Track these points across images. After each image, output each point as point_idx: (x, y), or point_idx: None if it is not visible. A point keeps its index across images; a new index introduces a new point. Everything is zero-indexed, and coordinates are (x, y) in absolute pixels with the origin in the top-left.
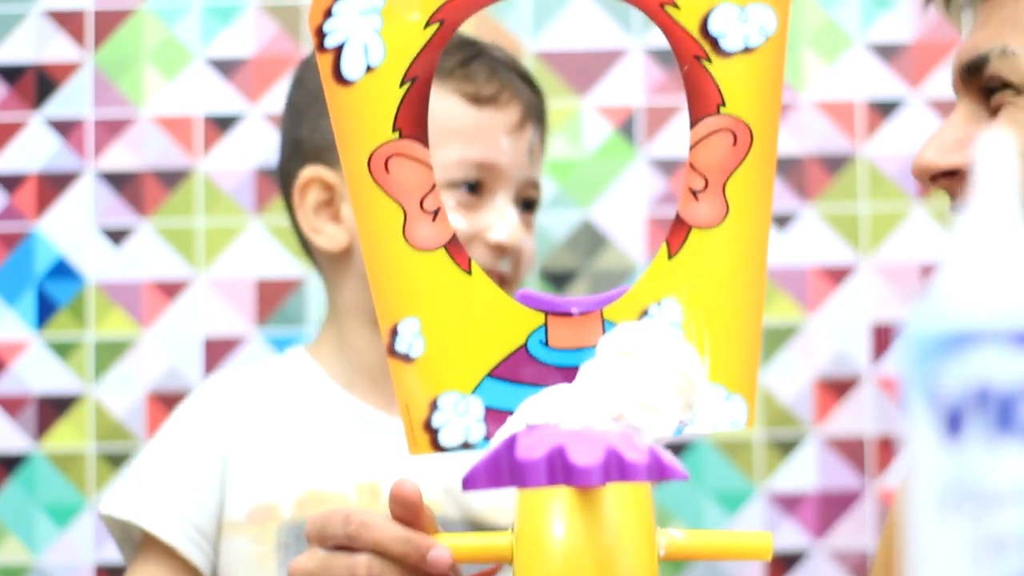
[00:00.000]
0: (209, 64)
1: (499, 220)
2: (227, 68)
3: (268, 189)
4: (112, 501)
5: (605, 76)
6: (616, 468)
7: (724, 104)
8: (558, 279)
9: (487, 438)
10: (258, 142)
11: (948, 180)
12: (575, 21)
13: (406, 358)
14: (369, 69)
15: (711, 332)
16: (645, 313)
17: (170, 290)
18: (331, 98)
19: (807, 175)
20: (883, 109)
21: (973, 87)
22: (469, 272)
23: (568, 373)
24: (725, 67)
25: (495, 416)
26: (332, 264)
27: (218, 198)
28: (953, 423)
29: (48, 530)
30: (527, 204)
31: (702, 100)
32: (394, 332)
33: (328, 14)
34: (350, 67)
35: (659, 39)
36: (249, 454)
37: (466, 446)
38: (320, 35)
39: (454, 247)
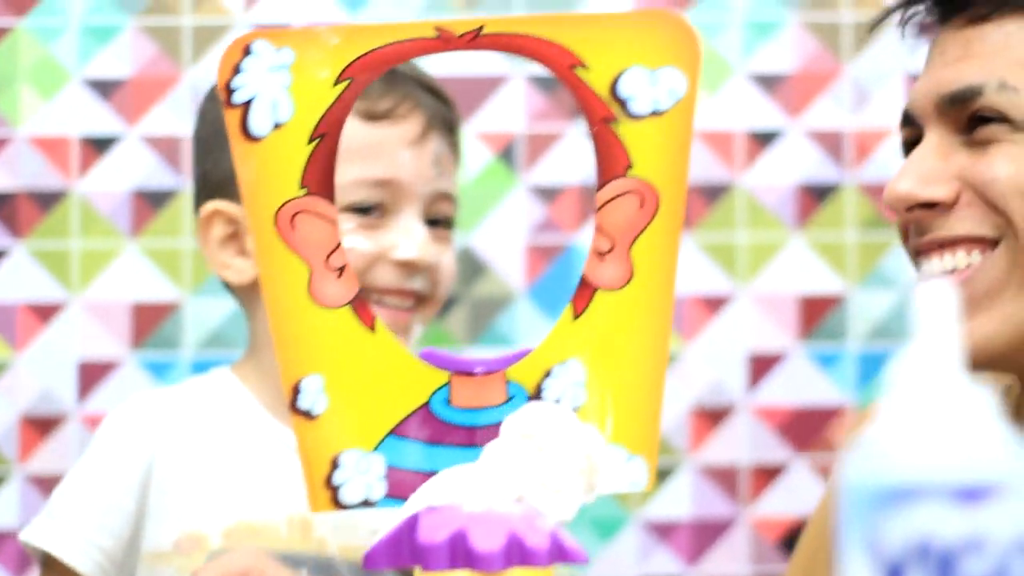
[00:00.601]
0: (86, 84)
1: (404, 237)
2: (105, 89)
3: (144, 211)
4: (30, 527)
5: (486, 102)
6: (517, 553)
7: (632, 167)
8: None
9: (388, 496)
10: (135, 164)
11: (924, 212)
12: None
13: (308, 415)
14: (277, 126)
15: (614, 393)
16: (549, 374)
17: (44, 313)
18: (238, 154)
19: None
20: (762, 139)
21: (952, 118)
22: (373, 330)
23: (471, 432)
24: (634, 130)
25: (397, 474)
26: (244, 295)
27: (94, 220)
28: None
29: None
30: (439, 219)
31: (610, 162)
32: (296, 389)
33: (236, 70)
34: (258, 123)
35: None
36: (175, 480)
37: (367, 504)
38: (228, 91)
39: (359, 305)
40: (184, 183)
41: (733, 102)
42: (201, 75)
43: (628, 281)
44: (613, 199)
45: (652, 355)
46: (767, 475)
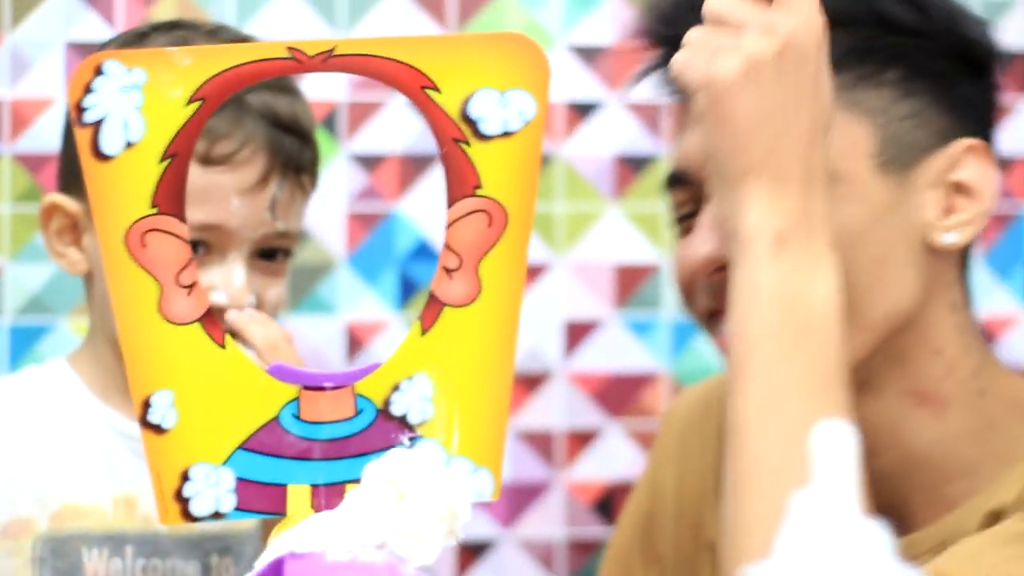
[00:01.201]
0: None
1: (223, 281)
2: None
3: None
4: None
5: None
6: None
7: (481, 186)
8: None
9: (238, 508)
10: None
11: (720, 274)
12: (279, 16)
13: (158, 429)
14: (129, 145)
15: (460, 407)
16: (396, 388)
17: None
18: (89, 173)
19: None
20: (581, 110)
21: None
22: (223, 346)
23: (320, 445)
24: (483, 150)
25: (246, 487)
26: (84, 284)
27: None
28: None
29: None
30: (275, 251)
31: (459, 181)
32: (147, 404)
33: (88, 89)
34: (109, 143)
35: (363, 34)
36: (2, 468)
37: (217, 516)
38: (80, 110)
39: (208, 321)
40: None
41: (554, 74)
42: None
43: (475, 298)
44: (462, 217)
45: (498, 369)
46: (582, 439)
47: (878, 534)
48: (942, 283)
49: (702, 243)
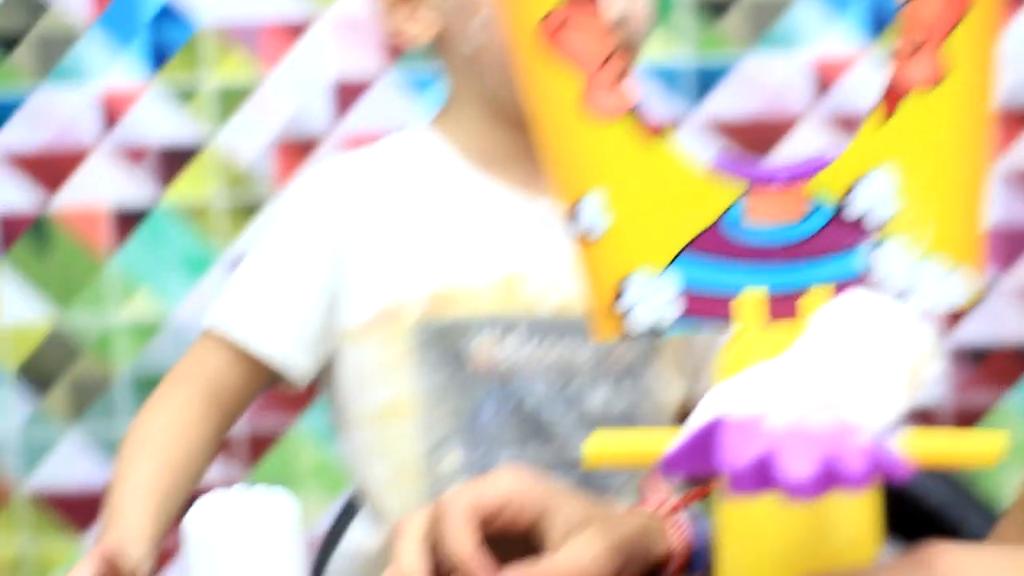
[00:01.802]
0: None
1: None
2: None
3: None
4: (214, 314)
5: None
6: (832, 478)
7: None
8: None
9: (681, 319)
10: None
11: None
12: None
13: (589, 236)
14: None
15: (932, 200)
16: (856, 183)
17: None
18: None
19: None
20: None
21: None
22: (659, 138)
23: (770, 249)
24: None
25: (689, 296)
26: (436, 51)
27: None
28: None
29: (180, 284)
30: None
31: None
32: (575, 209)
33: None
34: None
35: None
36: (371, 248)
37: (656, 331)
38: None
39: (640, 113)
40: None
41: None
42: None
43: (940, 80)
44: None
45: (971, 157)
46: None
47: None
48: None
49: None
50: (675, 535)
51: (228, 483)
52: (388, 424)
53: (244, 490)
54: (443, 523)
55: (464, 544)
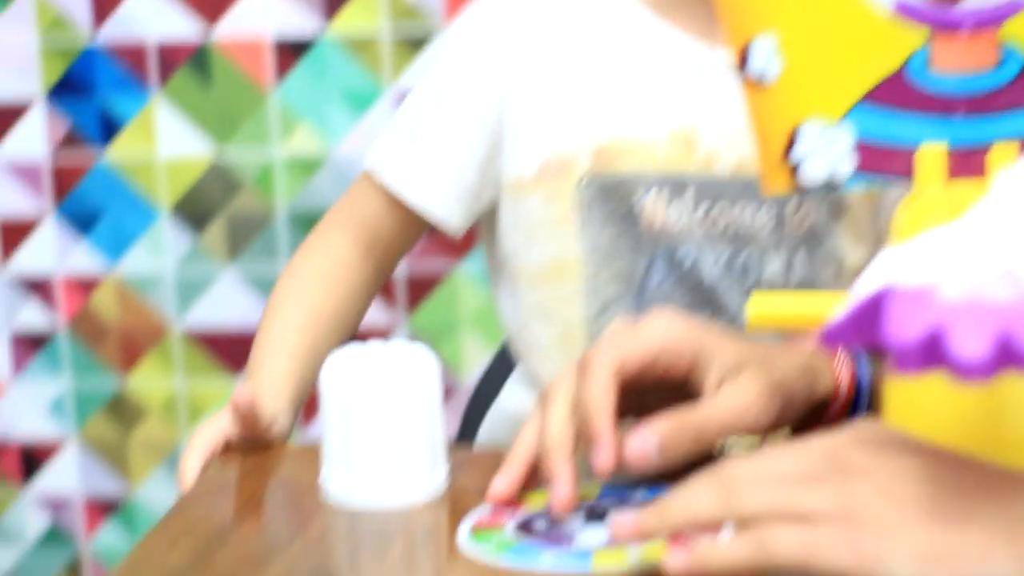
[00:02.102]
0: None
1: None
2: None
3: None
4: (372, 157)
5: None
6: (1007, 356)
7: None
8: None
9: (857, 172)
10: None
11: None
12: None
13: (761, 81)
14: None
15: None
16: None
17: None
18: None
19: None
20: None
21: None
22: None
23: (956, 100)
24: None
25: (867, 148)
26: None
27: None
28: None
29: (343, 119)
30: None
31: None
32: (745, 51)
33: None
34: None
35: None
36: (536, 94)
37: (830, 185)
38: None
39: None
40: None
41: None
42: None
43: None
44: None
45: None
46: None
47: None
48: None
49: None
50: (840, 372)
51: (387, 328)
52: (553, 285)
53: (383, 344)
54: (584, 380)
55: (599, 407)
